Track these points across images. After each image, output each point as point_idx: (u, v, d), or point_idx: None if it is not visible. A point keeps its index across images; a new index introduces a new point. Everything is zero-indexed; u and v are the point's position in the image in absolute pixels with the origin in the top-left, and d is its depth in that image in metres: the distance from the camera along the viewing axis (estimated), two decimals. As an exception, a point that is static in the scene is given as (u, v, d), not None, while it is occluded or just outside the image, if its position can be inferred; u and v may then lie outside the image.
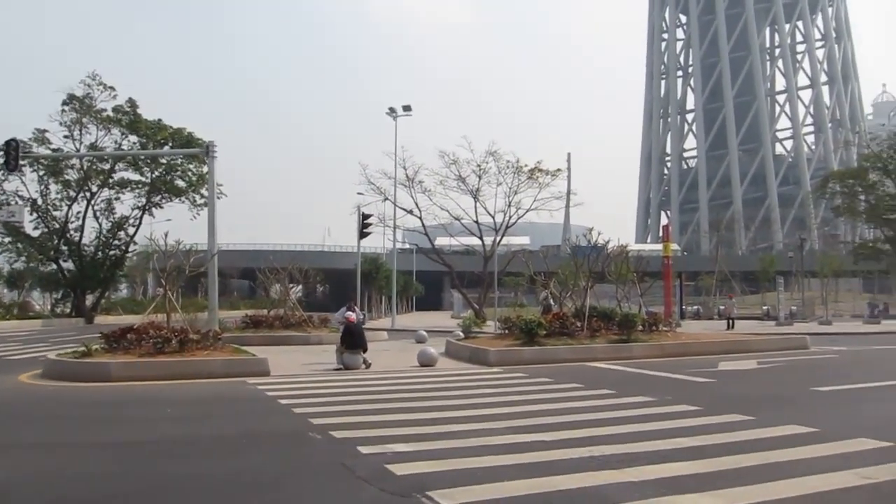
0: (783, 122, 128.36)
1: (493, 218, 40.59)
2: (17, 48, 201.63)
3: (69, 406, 11.37)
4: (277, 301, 29.71)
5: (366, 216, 39.08)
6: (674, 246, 72.36)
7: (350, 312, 17.38)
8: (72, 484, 6.54)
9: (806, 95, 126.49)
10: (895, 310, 47.11)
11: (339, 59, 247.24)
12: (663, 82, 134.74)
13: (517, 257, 37.15)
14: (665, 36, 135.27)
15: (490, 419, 9.37)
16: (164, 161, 46.54)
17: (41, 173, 45.13)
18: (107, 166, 46.64)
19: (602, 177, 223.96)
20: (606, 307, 21.23)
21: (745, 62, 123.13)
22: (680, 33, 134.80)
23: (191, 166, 46.20)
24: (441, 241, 50.79)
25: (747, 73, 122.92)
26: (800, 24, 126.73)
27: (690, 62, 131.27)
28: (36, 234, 46.41)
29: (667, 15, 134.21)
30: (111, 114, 45.14)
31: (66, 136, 44.33)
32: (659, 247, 50.75)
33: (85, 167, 45.85)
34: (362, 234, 39.15)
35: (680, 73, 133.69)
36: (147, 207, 47.74)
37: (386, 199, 41.28)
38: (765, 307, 48.37)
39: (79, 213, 46.81)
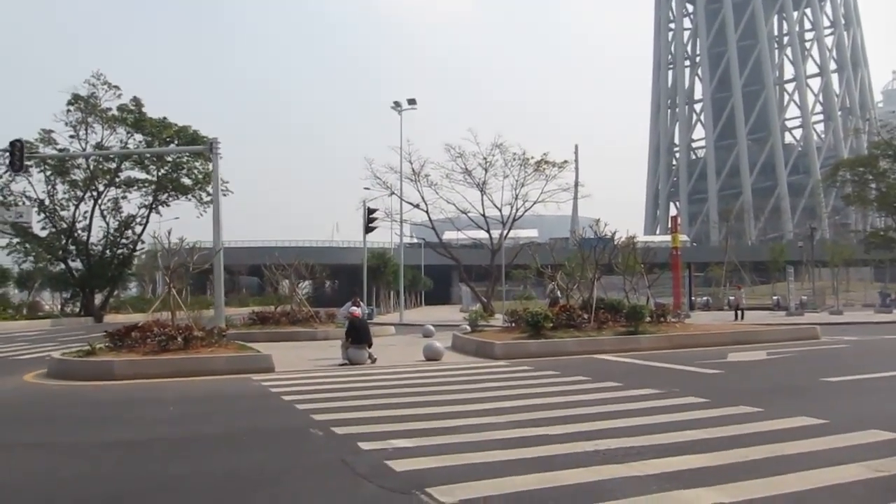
0: (792, 111, 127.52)
1: (500, 211, 40.59)
2: (23, 49, 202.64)
3: (71, 405, 11.32)
4: (284, 297, 29.69)
5: (371, 211, 39.05)
6: (683, 237, 72.17)
7: (354, 307, 17.29)
8: (65, 484, 6.46)
9: (815, 83, 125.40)
10: (907, 298, 46.66)
11: (351, 58, 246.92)
12: (671, 72, 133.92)
13: (525, 250, 37.06)
14: (672, 25, 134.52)
15: (494, 413, 9.26)
16: (170, 159, 46.54)
17: (48, 174, 45.22)
18: (113, 165, 46.73)
19: (610, 168, 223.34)
20: (614, 299, 21.10)
21: (752, 51, 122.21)
22: (687, 23, 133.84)
23: (197, 164, 46.16)
24: (448, 235, 50.78)
25: (755, 62, 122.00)
26: (808, 11, 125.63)
27: (698, 52, 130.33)
28: (44, 234, 46.61)
29: (673, 4, 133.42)
30: (116, 113, 45.20)
31: (71, 136, 44.49)
32: (668, 238, 50.43)
33: (91, 167, 45.95)
34: (368, 229, 39.11)
35: (687, 62, 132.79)
36: (154, 206, 47.84)
37: (392, 193, 41.36)
38: (775, 297, 48.04)
39: (86, 212, 47.03)
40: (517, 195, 39.80)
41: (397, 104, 42.05)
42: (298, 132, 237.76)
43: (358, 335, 16.26)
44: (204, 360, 14.70)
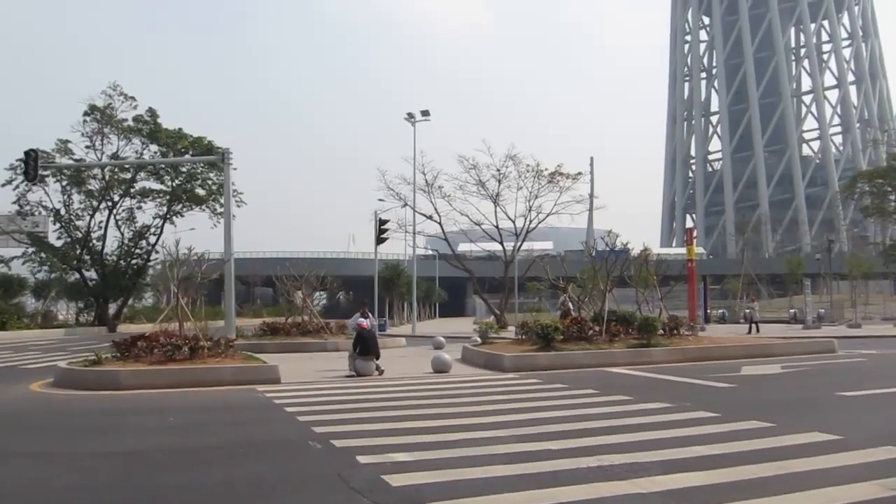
0: (810, 123, 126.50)
1: (514, 223, 40.35)
2: (42, 62, 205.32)
3: (73, 414, 11.26)
4: (295, 308, 29.59)
5: (382, 222, 38.98)
6: (699, 249, 71.61)
7: (363, 319, 17.10)
8: (57, 495, 6.36)
9: (833, 95, 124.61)
10: (928, 312, 45.92)
11: (363, 69, 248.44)
12: (687, 84, 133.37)
13: (538, 262, 36.82)
14: (688, 37, 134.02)
15: (497, 427, 9.05)
16: (184, 170, 46.80)
17: (64, 183, 45.57)
18: (128, 176, 47.00)
19: (626, 180, 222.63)
20: (626, 311, 20.79)
21: (769, 63, 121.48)
22: (703, 34, 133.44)
23: (211, 175, 46.35)
24: (462, 247, 50.62)
25: (772, 74, 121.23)
26: (825, 23, 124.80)
27: (714, 63, 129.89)
28: (59, 243, 46.82)
29: (690, 16, 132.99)
30: (132, 123, 45.57)
31: (87, 147, 44.80)
32: (684, 250, 49.99)
33: (107, 177, 46.22)
34: (379, 240, 39.02)
35: (704, 74, 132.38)
36: (168, 216, 48.09)
37: (405, 204, 41.25)
38: (792, 310, 47.42)
39: (101, 222, 47.24)
40: (531, 207, 39.60)
41: (411, 115, 42.03)
42: (314, 145, 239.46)
43: (365, 346, 16.09)
44: (210, 371, 14.58)
